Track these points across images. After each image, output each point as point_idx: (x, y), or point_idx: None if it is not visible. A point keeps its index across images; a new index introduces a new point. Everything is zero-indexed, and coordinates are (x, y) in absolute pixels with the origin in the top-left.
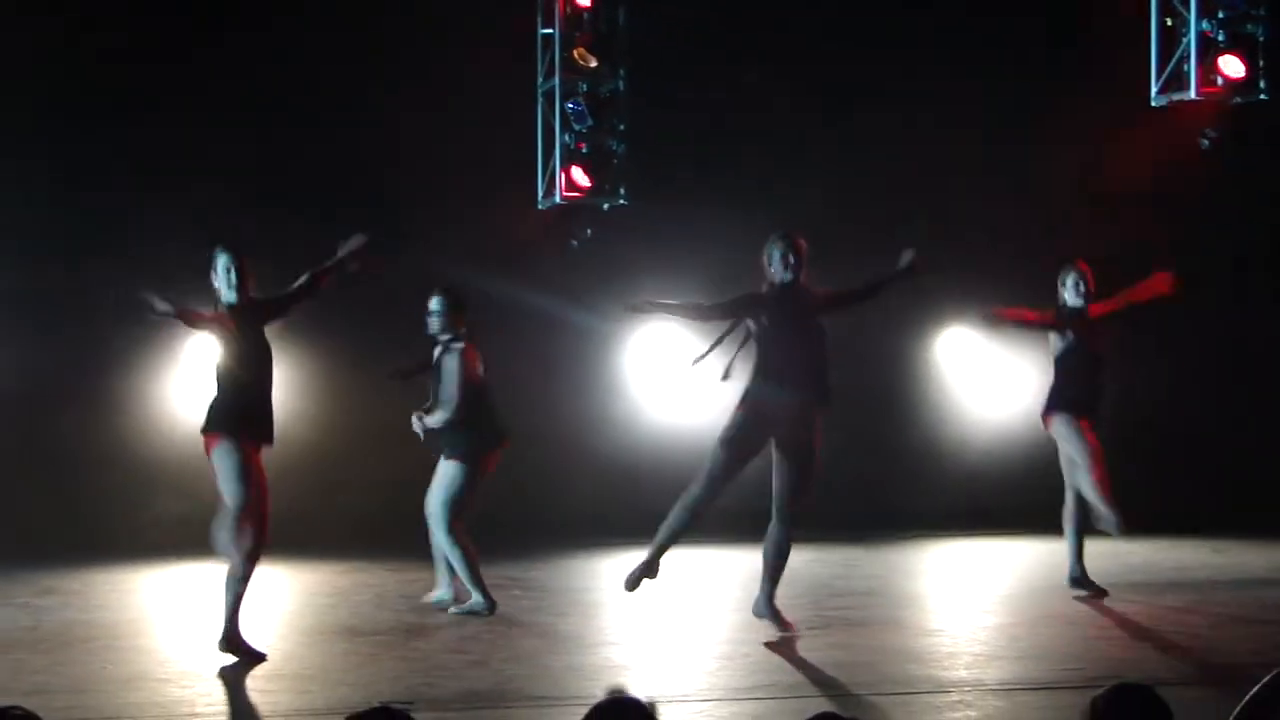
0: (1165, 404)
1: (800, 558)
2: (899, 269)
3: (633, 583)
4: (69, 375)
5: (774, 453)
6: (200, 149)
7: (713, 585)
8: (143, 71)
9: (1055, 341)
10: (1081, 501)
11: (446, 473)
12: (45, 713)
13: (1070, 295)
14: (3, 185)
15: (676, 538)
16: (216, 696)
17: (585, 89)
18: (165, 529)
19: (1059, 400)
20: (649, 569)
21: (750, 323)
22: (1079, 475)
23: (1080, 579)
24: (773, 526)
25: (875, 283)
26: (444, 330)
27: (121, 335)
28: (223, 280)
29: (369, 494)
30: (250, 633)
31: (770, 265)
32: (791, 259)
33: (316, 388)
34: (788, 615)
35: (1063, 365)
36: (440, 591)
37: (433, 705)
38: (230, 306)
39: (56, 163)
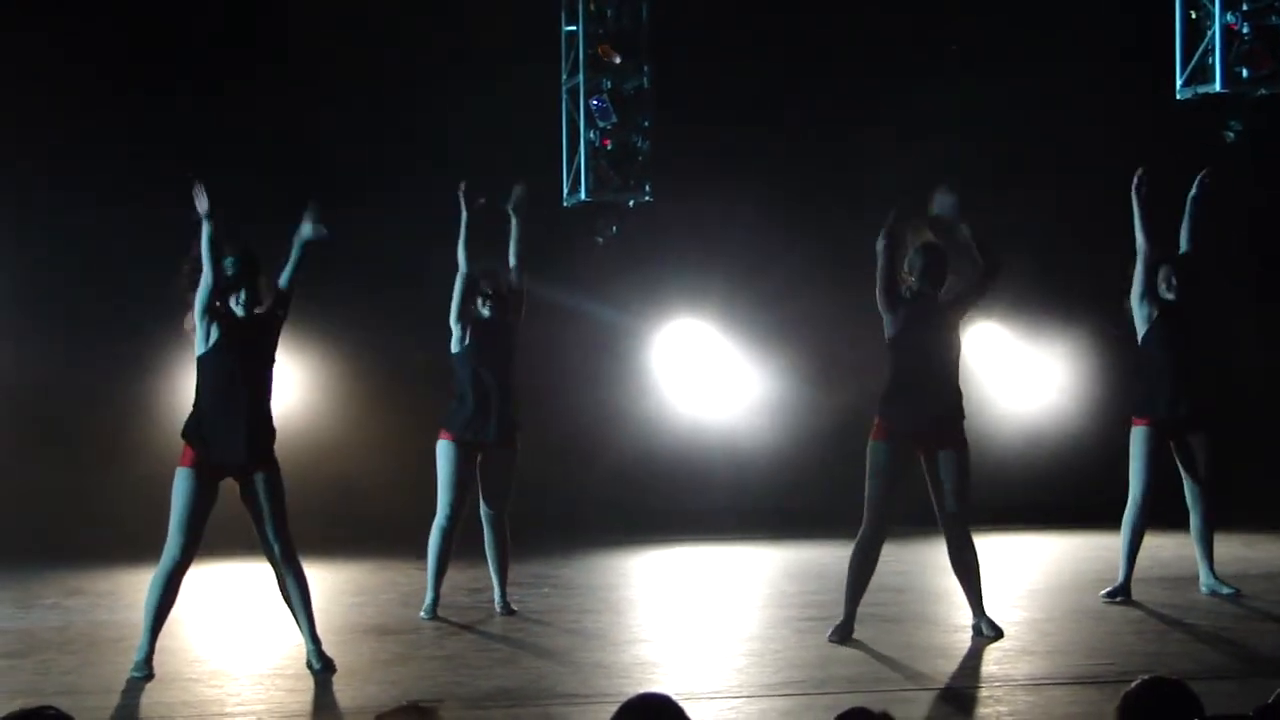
0: None
1: (832, 554)
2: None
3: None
4: (97, 375)
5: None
6: (226, 140)
7: (740, 582)
8: (159, 70)
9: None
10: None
11: None
12: (77, 713)
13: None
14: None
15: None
16: (246, 695)
17: (609, 86)
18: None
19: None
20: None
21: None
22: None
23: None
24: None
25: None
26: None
27: (150, 334)
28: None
29: (395, 493)
30: (278, 632)
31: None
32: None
33: (341, 386)
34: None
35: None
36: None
37: (462, 703)
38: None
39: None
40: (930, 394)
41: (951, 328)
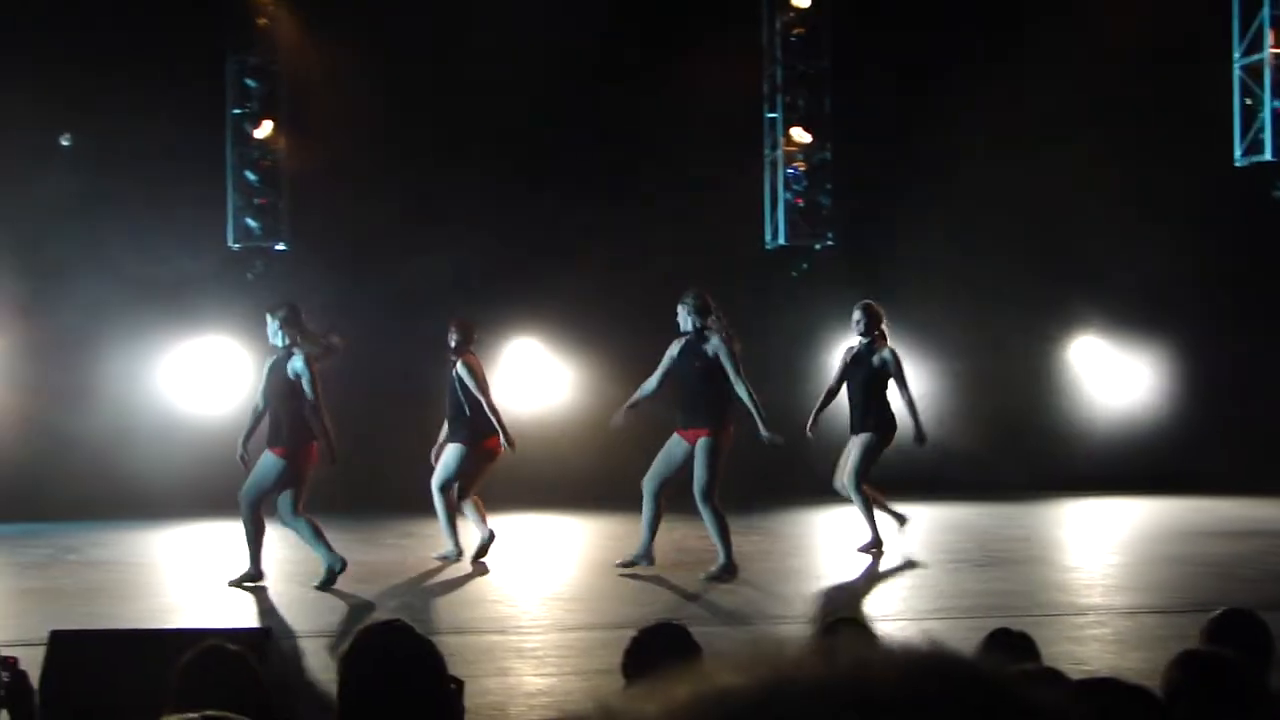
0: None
1: (970, 511)
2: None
3: None
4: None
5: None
6: (479, 202)
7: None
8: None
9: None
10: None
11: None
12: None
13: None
14: None
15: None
16: (535, 613)
17: (801, 158)
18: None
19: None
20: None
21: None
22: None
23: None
24: None
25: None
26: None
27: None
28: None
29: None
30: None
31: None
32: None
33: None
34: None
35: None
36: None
37: (697, 620)
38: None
39: None
40: (679, 404)
41: (702, 360)
